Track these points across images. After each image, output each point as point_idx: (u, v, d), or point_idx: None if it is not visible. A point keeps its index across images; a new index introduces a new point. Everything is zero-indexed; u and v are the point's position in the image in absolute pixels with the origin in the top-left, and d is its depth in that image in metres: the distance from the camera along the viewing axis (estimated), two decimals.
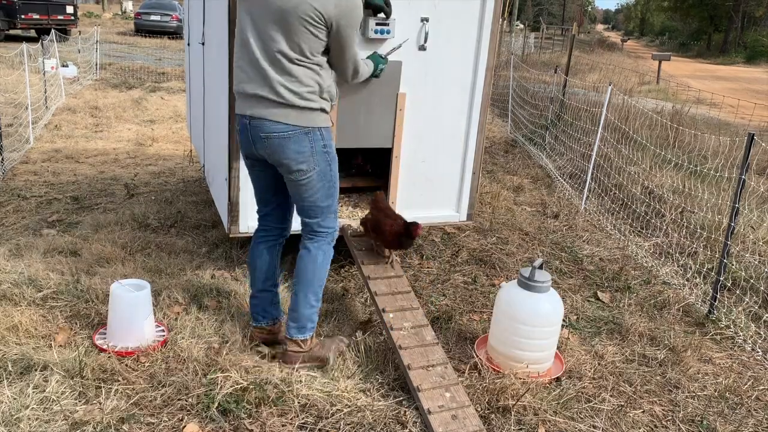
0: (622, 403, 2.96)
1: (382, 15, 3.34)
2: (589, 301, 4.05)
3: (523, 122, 9.33)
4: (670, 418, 2.91)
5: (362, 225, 3.54)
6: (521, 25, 36.40)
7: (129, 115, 9.34)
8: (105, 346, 3.01)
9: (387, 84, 3.54)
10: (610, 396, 3.01)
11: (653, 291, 4.20)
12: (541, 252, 4.75)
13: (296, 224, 3.09)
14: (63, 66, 11.53)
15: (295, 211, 3.04)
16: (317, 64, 2.72)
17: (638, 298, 4.10)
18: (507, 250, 4.70)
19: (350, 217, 3.83)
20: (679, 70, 24.62)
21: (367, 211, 3.90)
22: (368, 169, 4.22)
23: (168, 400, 2.69)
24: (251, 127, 2.76)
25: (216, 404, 2.65)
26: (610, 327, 3.70)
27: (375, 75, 3.25)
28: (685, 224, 5.12)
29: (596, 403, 2.94)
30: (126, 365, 2.90)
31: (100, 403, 2.63)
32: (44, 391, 2.66)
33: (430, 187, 3.92)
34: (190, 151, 6.64)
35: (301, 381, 2.84)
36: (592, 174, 6.01)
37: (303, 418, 2.65)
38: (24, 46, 7.97)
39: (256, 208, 3.14)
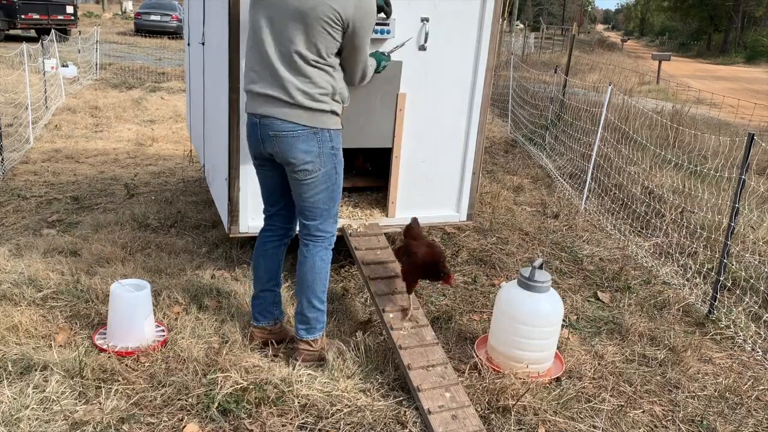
0: (622, 403, 2.96)
1: (382, 15, 3.34)
2: (589, 301, 4.05)
3: (523, 122, 9.33)
4: (670, 418, 2.91)
5: (395, 253, 3.35)
6: (521, 25, 36.41)
7: (129, 115, 9.34)
8: (105, 346, 3.01)
9: (387, 84, 3.54)
10: (610, 396, 3.01)
11: (653, 291, 4.20)
12: (541, 252, 4.75)
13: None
14: (63, 66, 11.53)
15: None
16: (331, 66, 2.71)
17: (638, 298, 4.10)
18: (507, 250, 4.70)
19: (350, 217, 3.83)
20: (679, 70, 24.62)
21: (368, 212, 3.91)
22: (368, 167, 4.23)
23: (168, 400, 2.69)
24: (261, 126, 2.76)
25: (216, 404, 2.65)
26: (610, 327, 3.70)
27: (377, 71, 3.25)
28: (685, 224, 5.12)
29: (596, 403, 2.94)
30: (126, 365, 2.91)
31: (100, 403, 2.63)
32: (44, 391, 2.66)
33: (430, 187, 3.92)
34: (190, 151, 6.64)
35: (301, 381, 2.84)
36: (592, 174, 6.01)
37: (303, 418, 2.65)
38: (24, 46, 7.97)
39: (255, 207, 3.14)
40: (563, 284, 4.23)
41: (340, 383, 2.85)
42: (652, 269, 4.56)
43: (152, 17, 23.87)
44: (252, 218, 3.53)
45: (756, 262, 4.44)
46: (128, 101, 10.26)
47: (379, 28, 3.36)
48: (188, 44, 5.44)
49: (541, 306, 3.04)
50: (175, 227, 4.69)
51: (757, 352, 3.53)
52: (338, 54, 2.75)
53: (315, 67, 2.67)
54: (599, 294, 4.11)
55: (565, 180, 6.68)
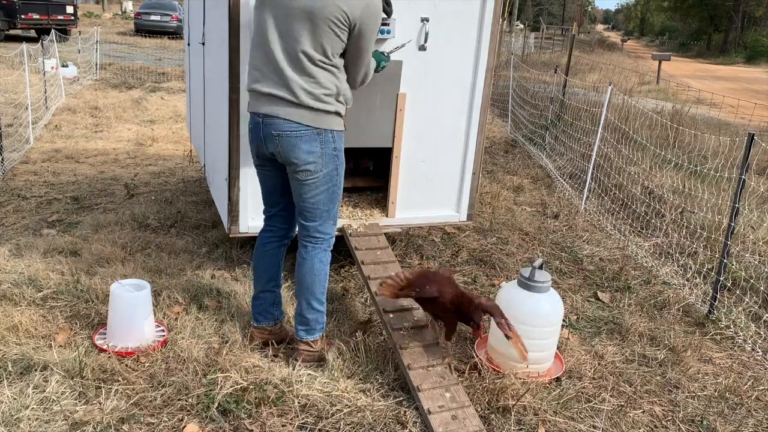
0: (622, 403, 2.96)
1: (382, 15, 3.34)
2: (589, 301, 4.05)
3: (523, 122, 9.33)
4: (670, 418, 2.91)
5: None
6: (521, 25, 36.41)
7: (129, 115, 9.34)
8: (105, 346, 3.00)
9: (387, 84, 3.54)
10: (610, 396, 3.01)
11: (653, 291, 4.20)
12: (541, 252, 4.75)
13: None
14: (63, 66, 11.53)
15: None
16: (336, 67, 2.71)
17: (638, 298, 4.10)
18: (507, 250, 4.70)
19: (350, 217, 3.83)
20: (679, 70, 24.62)
21: (368, 212, 3.91)
22: (368, 166, 4.23)
23: (168, 401, 2.69)
24: (264, 125, 2.76)
25: (216, 404, 2.65)
26: (610, 327, 3.70)
27: (375, 71, 3.24)
28: (685, 224, 5.12)
29: (596, 403, 2.94)
30: (126, 365, 2.90)
31: (100, 403, 2.63)
32: (44, 391, 2.66)
33: (430, 187, 3.92)
34: (190, 151, 6.64)
35: (301, 381, 2.84)
36: (592, 174, 6.01)
37: (303, 418, 2.65)
38: (24, 46, 7.97)
39: (255, 207, 3.13)
40: (563, 284, 4.23)
41: (340, 383, 2.85)
42: (652, 269, 4.56)
43: (152, 17, 23.87)
44: (252, 218, 3.53)
45: (756, 262, 4.44)
46: (128, 101, 10.26)
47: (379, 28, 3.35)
48: (188, 44, 5.44)
49: (541, 306, 3.04)
50: (175, 227, 4.69)
51: (757, 352, 3.53)
52: (342, 55, 2.75)
53: (320, 67, 2.67)
54: (599, 294, 4.11)
55: (565, 180, 6.68)
